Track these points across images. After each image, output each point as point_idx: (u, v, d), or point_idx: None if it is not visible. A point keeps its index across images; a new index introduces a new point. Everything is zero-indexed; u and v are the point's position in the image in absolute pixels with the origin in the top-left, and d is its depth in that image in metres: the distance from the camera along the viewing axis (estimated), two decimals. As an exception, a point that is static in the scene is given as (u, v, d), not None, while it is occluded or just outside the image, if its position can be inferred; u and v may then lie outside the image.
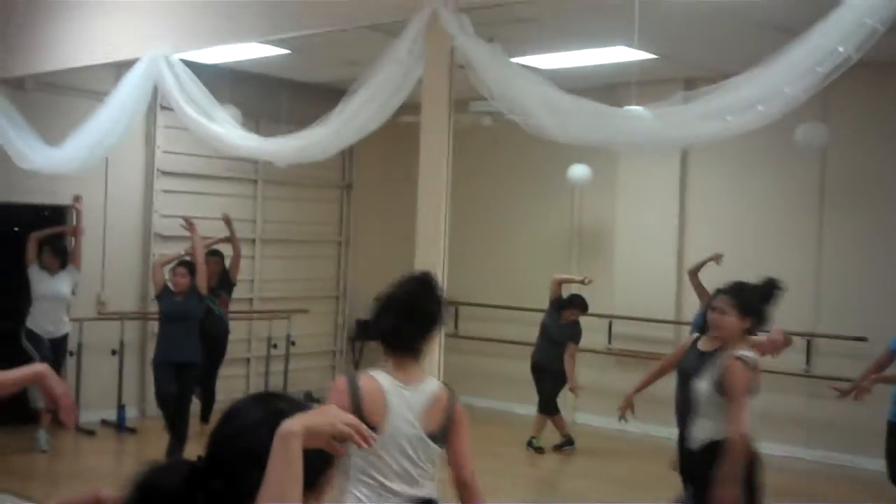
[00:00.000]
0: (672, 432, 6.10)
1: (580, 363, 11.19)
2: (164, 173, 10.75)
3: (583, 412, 11.43)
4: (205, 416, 9.67)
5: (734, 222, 10.31)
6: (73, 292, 9.32)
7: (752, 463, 5.32)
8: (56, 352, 8.87)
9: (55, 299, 9.01)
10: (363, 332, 12.35)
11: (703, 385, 5.39)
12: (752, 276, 8.17)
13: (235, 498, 1.85)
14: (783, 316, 9.89)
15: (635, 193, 11.00)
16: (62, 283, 9.08)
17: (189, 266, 8.49)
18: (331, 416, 1.86)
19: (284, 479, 1.76)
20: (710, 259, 9.09)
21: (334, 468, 2.03)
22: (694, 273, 9.11)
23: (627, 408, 6.32)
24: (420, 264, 4.83)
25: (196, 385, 9.00)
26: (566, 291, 9.91)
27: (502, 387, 11.39)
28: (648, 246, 10.85)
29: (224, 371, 10.78)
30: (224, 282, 9.92)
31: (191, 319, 8.39)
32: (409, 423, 3.54)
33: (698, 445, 5.41)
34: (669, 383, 6.46)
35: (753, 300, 5.61)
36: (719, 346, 5.92)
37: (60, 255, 9.07)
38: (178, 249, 10.71)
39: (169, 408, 8.35)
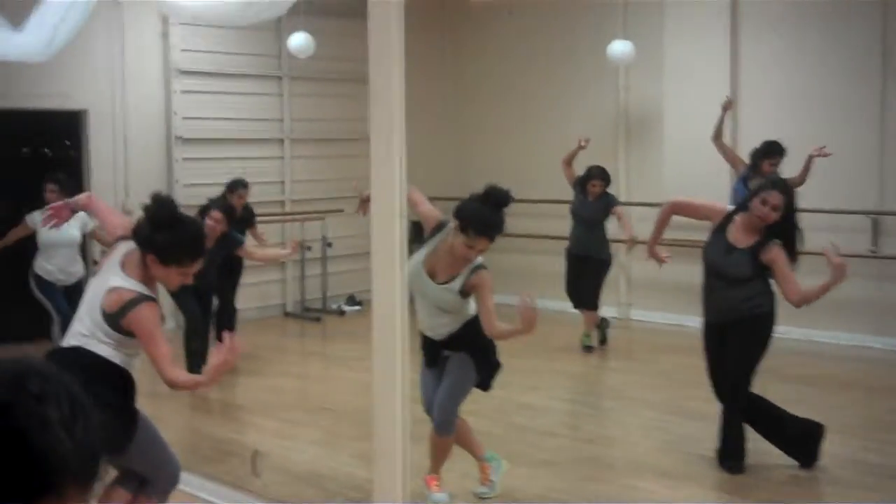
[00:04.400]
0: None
1: (633, 256, 10.58)
2: (183, 72, 10.22)
3: (637, 308, 10.83)
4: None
5: (790, 95, 9.44)
6: (85, 234, 8.25)
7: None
8: (72, 298, 7.50)
9: (65, 245, 7.93)
10: (419, 233, 11.78)
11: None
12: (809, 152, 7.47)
13: None
14: (846, 194, 9.17)
15: (683, 70, 10.16)
16: (72, 228, 7.72)
17: (228, 212, 7.82)
18: None
19: None
20: (724, 111, 8.34)
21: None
22: (718, 137, 8.34)
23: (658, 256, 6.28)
24: (376, 161, 4.22)
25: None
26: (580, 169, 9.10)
27: (549, 285, 10.75)
28: (699, 126, 10.00)
29: (258, 277, 10.44)
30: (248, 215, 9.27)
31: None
32: None
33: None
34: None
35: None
36: (756, 241, 5.43)
37: (69, 195, 8.13)
38: (199, 152, 10.35)
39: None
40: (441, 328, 5.05)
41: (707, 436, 6.06)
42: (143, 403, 4.13)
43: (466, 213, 4.85)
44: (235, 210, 8.24)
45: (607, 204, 8.83)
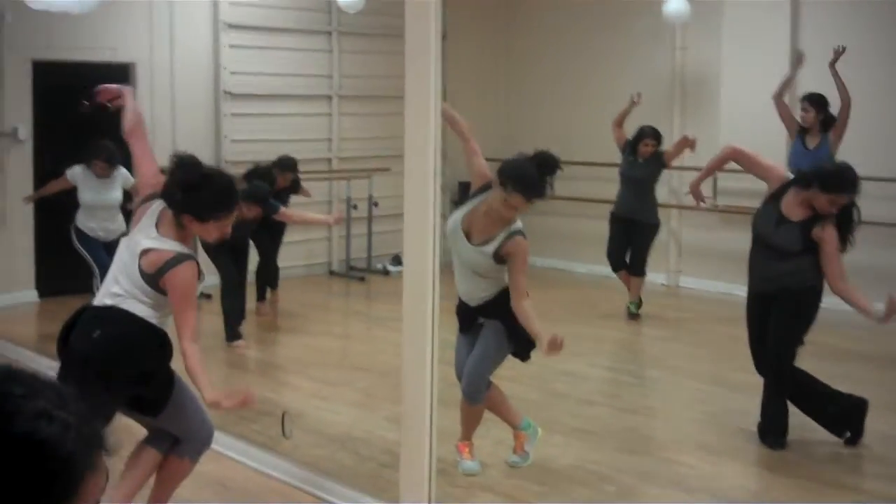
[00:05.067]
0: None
1: (683, 222, 10.40)
2: (231, 26, 10.14)
3: (686, 275, 10.62)
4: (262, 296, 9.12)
5: (852, 57, 9.08)
6: (127, 191, 7.93)
7: None
8: (112, 254, 7.89)
9: (106, 207, 7.93)
10: (465, 193, 11.66)
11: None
12: (879, 122, 7.20)
13: None
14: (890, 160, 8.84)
15: (742, 29, 9.84)
16: (113, 189, 7.91)
17: (263, 196, 7.74)
18: None
19: None
20: (796, 67, 8.10)
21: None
22: (780, 97, 8.07)
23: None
24: (410, 120, 4.10)
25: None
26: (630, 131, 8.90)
27: (595, 250, 10.58)
28: (758, 88, 9.71)
29: (304, 235, 10.40)
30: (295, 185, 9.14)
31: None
32: None
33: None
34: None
35: None
36: (810, 216, 5.23)
37: (112, 158, 7.72)
38: (248, 107, 10.28)
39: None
40: (476, 293, 4.95)
41: (750, 409, 5.90)
42: (178, 361, 4.08)
43: (508, 168, 4.77)
44: (273, 189, 8.12)
45: (658, 163, 8.63)
